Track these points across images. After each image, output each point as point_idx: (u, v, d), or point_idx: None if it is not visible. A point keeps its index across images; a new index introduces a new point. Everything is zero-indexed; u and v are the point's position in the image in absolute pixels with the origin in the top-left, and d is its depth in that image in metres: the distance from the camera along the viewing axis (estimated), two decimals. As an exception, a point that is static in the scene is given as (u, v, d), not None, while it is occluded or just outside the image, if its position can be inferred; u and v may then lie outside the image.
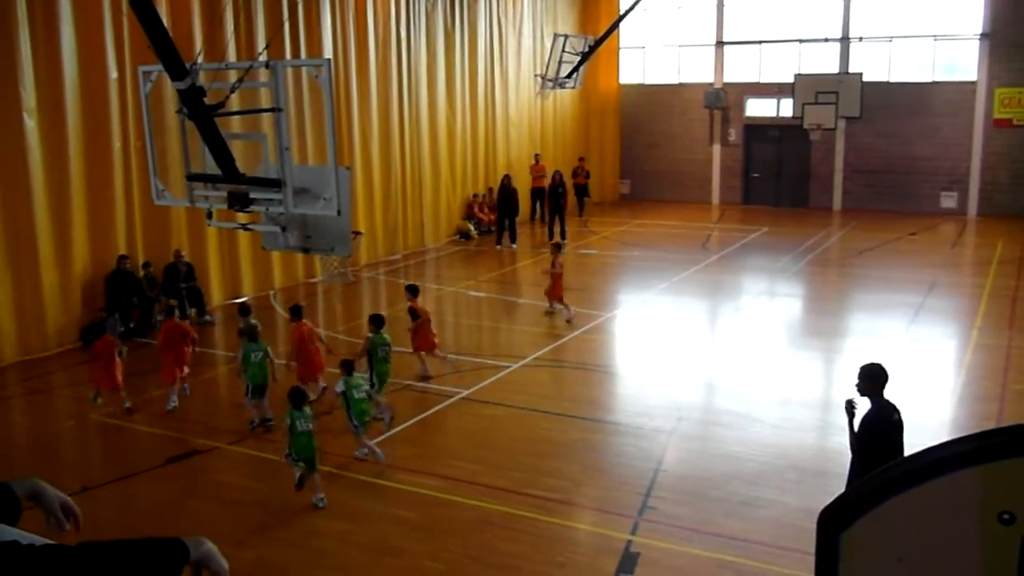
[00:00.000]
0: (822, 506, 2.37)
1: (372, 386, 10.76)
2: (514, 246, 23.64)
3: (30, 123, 13.91)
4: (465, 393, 12.21)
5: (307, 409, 9.25)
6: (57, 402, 12.69)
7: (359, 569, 7.95)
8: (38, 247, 14.17)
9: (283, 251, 11.74)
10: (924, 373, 13.08)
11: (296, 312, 11.78)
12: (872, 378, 6.98)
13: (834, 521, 2.16)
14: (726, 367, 13.68)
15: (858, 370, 7.08)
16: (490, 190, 25.53)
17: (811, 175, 29.68)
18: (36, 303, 14.27)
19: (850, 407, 7.06)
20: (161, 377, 12.00)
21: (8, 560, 1.86)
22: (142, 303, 15.58)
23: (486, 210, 25.24)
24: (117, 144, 15.30)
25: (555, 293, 16.16)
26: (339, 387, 9.98)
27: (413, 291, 13.22)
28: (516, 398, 12.08)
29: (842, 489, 2.01)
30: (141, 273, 15.67)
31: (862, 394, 7.03)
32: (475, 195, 25.48)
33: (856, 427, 6.97)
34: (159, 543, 2.13)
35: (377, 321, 11.43)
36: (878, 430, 6.82)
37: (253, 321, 11.72)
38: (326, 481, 9.42)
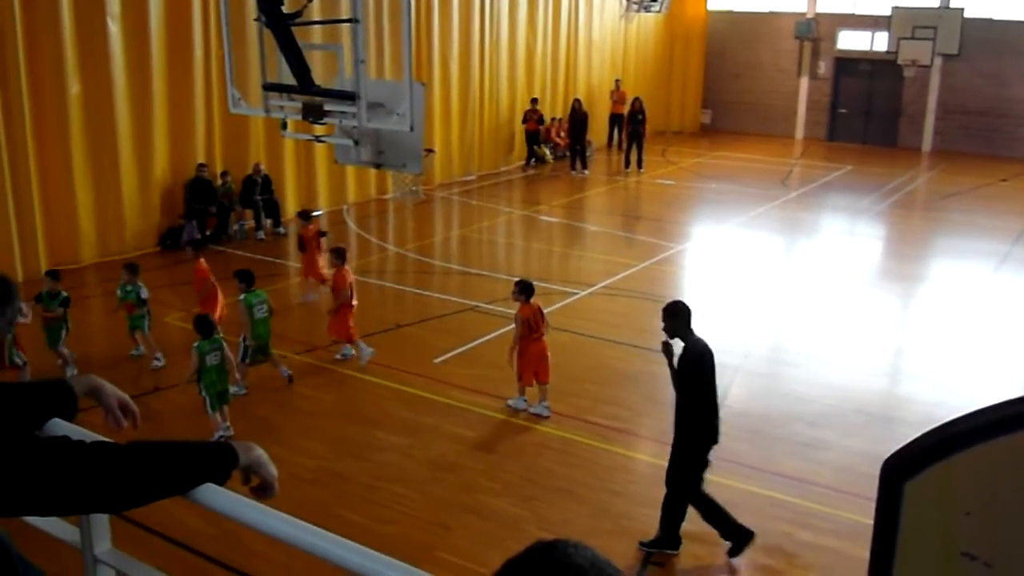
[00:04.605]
0: (886, 452, 2.28)
1: (246, 352, 9.83)
2: (586, 172, 23.32)
3: (114, 28, 14.04)
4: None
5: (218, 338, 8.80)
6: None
7: (417, 483, 8.07)
8: (119, 152, 14.42)
9: (355, 165, 11.74)
10: (1007, 324, 12.66)
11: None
12: (676, 316, 6.97)
13: (900, 469, 2.06)
14: (797, 306, 13.42)
15: (662, 312, 7.07)
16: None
17: (902, 113, 28.62)
18: (116, 207, 14.59)
19: (667, 348, 7.08)
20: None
21: (55, 454, 1.88)
22: (219, 212, 15.83)
23: (563, 135, 24.86)
24: (199, 53, 15.38)
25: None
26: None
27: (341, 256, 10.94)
28: (582, 325, 12.04)
29: (911, 436, 1.92)
30: (219, 182, 15.89)
31: (671, 335, 7.02)
32: (553, 119, 25.10)
33: (676, 365, 6.98)
34: (209, 447, 2.12)
35: (247, 278, 9.94)
36: (698, 364, 6.86)
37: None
38: (383, 393, 9.54)
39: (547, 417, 9.45)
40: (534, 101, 23.55)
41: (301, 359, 10.81)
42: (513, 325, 9.70)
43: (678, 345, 7.00)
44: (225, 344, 8.91)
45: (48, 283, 10.08)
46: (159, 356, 10.39)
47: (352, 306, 10.71)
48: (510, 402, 9.63)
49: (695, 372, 6.86)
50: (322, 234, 13.08)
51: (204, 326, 8.80)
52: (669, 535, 7.09)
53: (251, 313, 9.81)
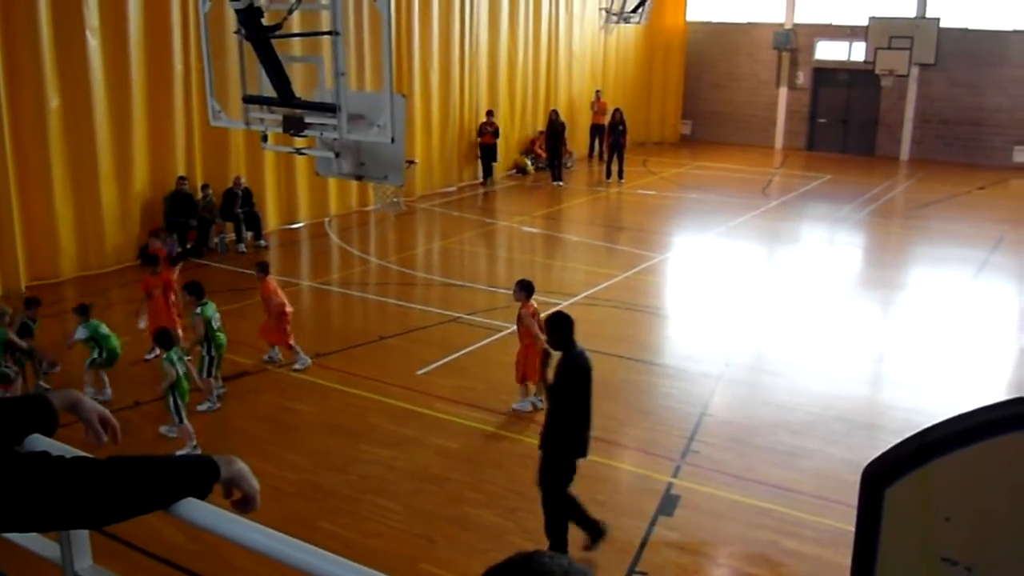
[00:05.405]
0: (868, 459, 2.29)
1: (211, 364, 9.76)
2: (561, 183, 23.32)
3: (93, 42, 13.97)
4: (513, 328, 12.18)
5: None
6: (113, 318, 12.89)
7: (401, 495, 8.04)
8: (99, 165, 14.34)
9: (336, 178, 11.72)
10: (986, 330, 12.76)
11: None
12: (559, 328, 7.00)
13: (880, 476, 2.08)
14: (779, 315, 13.49)
15: (545, 324, 7.13)
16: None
17: (879, 123, 28.85)
18: (95, 220, 14.50)
19: (546, 357, 7.18)
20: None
21: (35, 470, 1.86)
22: (200, 225, 15.76)
23: (543, 146, 24.87)
24: (179, 66, 15.33)
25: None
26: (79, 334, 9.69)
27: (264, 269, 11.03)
28: (564, 336, 12.03)
29: (892, 443, 1.95)
30: (200, 195, 15.82)
31: (554, 348, 7.06)
32: (541, 132, 25.02)
33: (553, 377, 7.01)
34: (190, 460, 2.11)
35: (197, 291, 9.89)
36: (577, 378, 6.89)
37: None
38: (366, 405, 9.51)
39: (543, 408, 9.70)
40: (489, 114, 22.76)
41: (284, 372, 10.77)
42: (514, 330, 10.08)
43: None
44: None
45: (25, 311, 10.04)
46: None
47: (287, 313, 10.75)
48: (515, 406, 9.77)
49: (572, 385, 6.89)
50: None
51: (165, 338, 8.88)
52: (557, 546, 7.07)
53: (210, 325, 9.79)
